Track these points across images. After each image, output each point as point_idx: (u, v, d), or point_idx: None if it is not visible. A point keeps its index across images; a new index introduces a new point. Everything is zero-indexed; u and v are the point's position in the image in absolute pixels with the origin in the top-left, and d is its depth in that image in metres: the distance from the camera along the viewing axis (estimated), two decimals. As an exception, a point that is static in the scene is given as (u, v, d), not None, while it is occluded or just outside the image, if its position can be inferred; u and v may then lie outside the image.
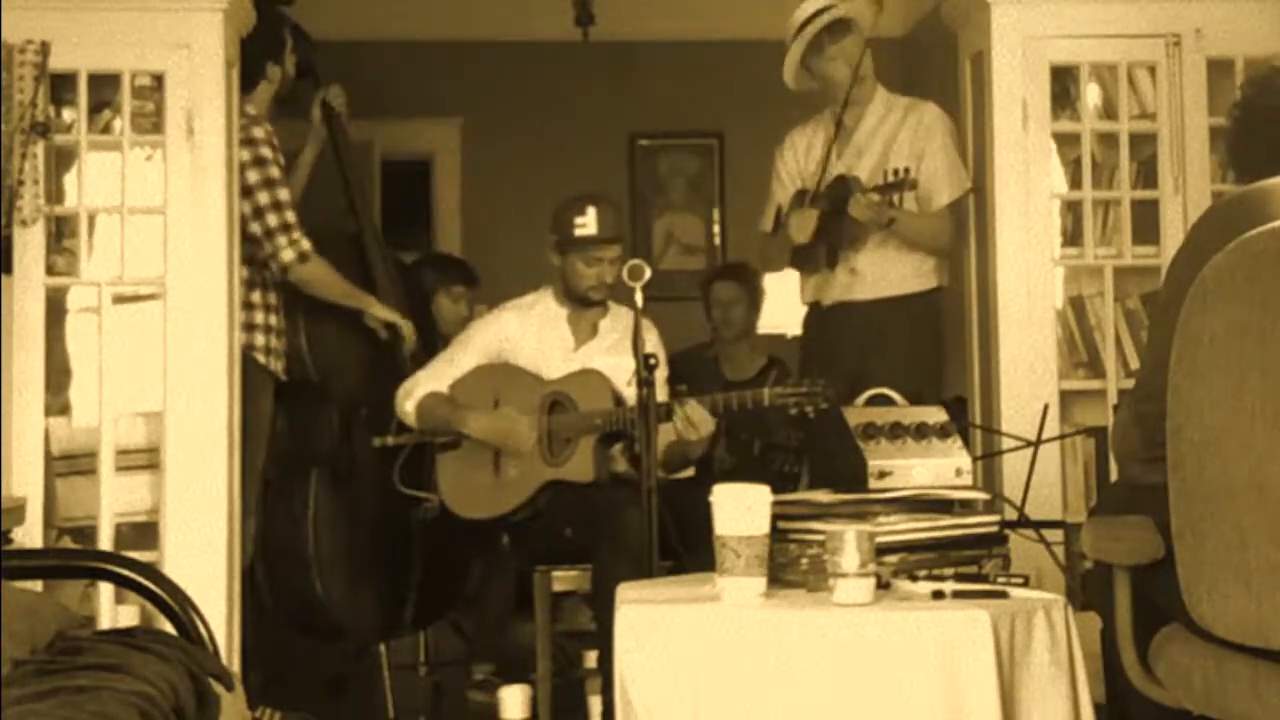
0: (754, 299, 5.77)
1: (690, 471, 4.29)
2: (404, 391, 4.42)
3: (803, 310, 4.74)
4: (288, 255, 4.33)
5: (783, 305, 6.18)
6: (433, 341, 4.87)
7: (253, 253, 4.37)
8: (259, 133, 4.36)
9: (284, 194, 4.36)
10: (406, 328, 4.64)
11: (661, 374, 4.24)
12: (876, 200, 4.21)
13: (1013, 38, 4.32)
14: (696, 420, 3.97)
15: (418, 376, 4.44)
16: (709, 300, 5.81)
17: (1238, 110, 2.83)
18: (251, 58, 4.44)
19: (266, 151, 4.36)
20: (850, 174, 4.39)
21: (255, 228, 4.33)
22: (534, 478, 4.23)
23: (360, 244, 4.82)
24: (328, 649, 5.07)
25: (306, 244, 4.36)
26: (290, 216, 4.36)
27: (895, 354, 4.31)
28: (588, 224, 4.31)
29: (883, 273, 4.43)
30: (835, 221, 4.36)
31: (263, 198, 4.32)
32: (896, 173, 4.20)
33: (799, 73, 4.55)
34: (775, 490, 2.78)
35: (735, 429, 5.01)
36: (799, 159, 4.61)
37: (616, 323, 4.41)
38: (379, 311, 4.60)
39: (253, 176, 4.33)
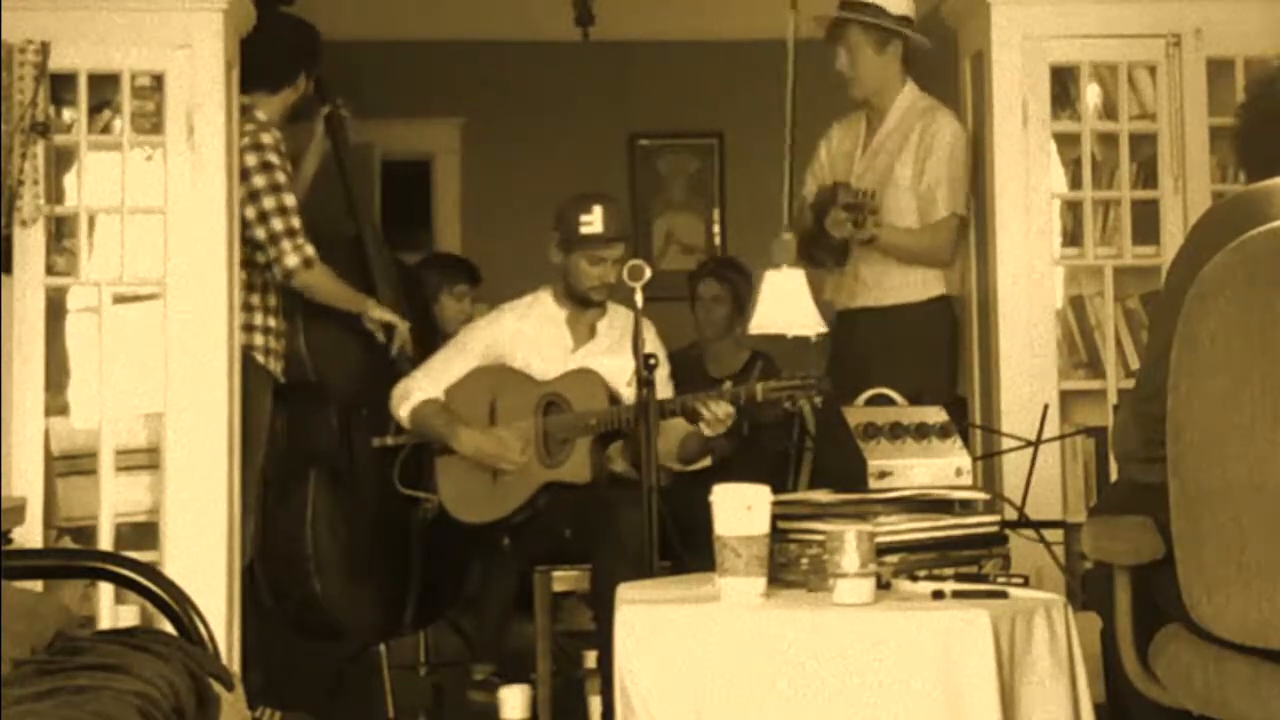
0: (738, 298, 5.77)
1: (707, 461, 4.28)
2: (399, 395, 4.43)
3: (809, 311, 4.71)
4: (292, 261, 4.33)
5: (785, 305, 6.16)
6: (433, 342, 4.87)
7: (252, 255, 4.37)
8: (267, 139, 4.36)
9: (289, 199, 4.36)
10: (402, 328, 4.64)
11: (663, 372, 4.25)
12: (844, 218, 4.20)
13: (1013, 38, 4.32)
14: (720, 415, 3.99)
15: (414, 378, 4.44)
16: (694, 295, 5.84)
17: (1243, 111, 2.84)
18: (282, 62, 4.49)
19: (273, 158, 4.35)
20: (842, 182, 4.37)
21: (260, 233, 4.32)
22: (532, 480, 4.24)
23: (360, 246, 4.82)
24: (328, 649, 5.07)
25: (310, 249, 4.36)
26: (295, 222, 4.35)
27: (900, 363, 4.27)
28: (593, 222, 4.31)
29: (885, 280, 4.43)
30: (823, 229, 4.34)
31: (268, 203, 4.32)
32: (863, 194, 4.19)
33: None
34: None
35: None
36: (831, 153, 4.61)
37: (615, 323, 4.41)
38: (376, 313, 4.60)
39: (259, 181, 4.32)
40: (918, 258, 4.40)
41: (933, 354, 4.44)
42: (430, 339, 4.88)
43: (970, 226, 4.50)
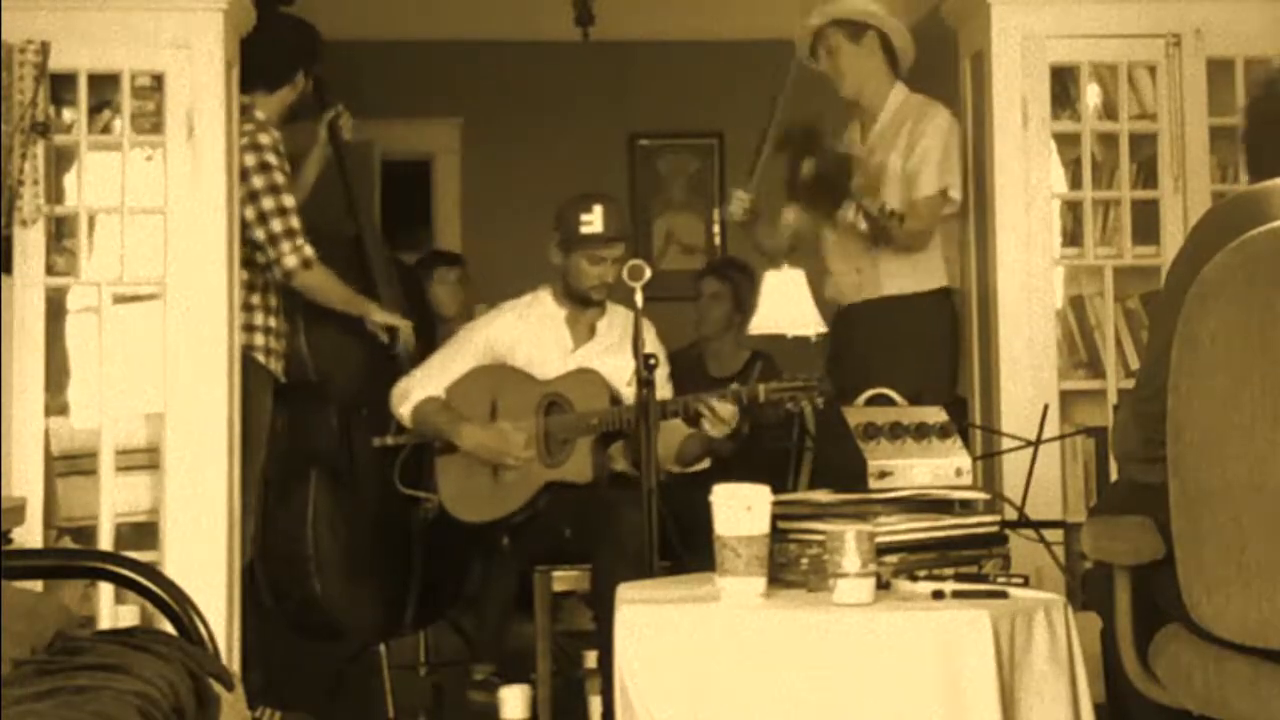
0: (739, 297, 5.77)
1: (706, 464, 4.28)
2: (399, 394, 4.42)
3: (809, 311, 4.72)
4: (291, 261, 4.33)
5: (786, 305, 6.16)
6: (433, 339, 4.88)
7: (252, 255, 4.37)
8: (265, 139, 4.36)
9: (288, 200, 4.36)
10: (406, 328, 4.64)
11: (662, 373, 4.24)
12: (864, 227, 4.23)
13: (1013, 37, 4.32)
14: (725, 416, 4.00)
15: (413, 377, 4.44)
16: (697, 294, 5.85)
17: (1245, 114, 2.84)
18: (282, 62, 4.49)
19: (272, 158, 4.35)
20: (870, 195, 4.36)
21: (259, 233, 4.32)
22: (532, 479, 4.23)
23: (360, 246, 4.82)
24: (328, 649, 5.07)
25: (309, 250, 4.35)
26: (294, 222, 4.35)
27: (900, 355, 4.27)
28: (593, 222, 4.31)
29: (887, 270, 4.43)
30: (822, 185, 4.31)
31: (267, 203, 4.32)
32: (892, 213, 4.20)
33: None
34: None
35: None
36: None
37: (614, 323, 4.41)
38: (378, 316, 4.60)
39: (258, 182, 4.32)
40: (898, 244, 4.38)
41: (933, 346, 4.44)
42: (431, 334, 4.88)
43: (970, 226, 4.50)
